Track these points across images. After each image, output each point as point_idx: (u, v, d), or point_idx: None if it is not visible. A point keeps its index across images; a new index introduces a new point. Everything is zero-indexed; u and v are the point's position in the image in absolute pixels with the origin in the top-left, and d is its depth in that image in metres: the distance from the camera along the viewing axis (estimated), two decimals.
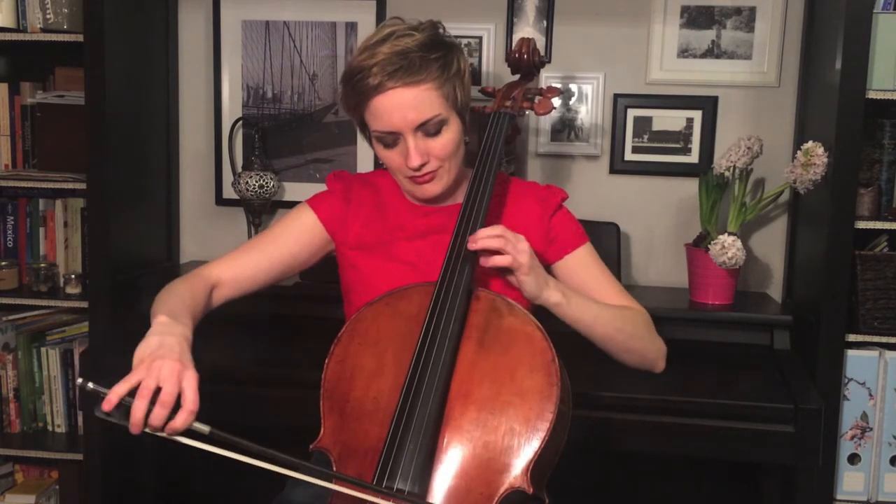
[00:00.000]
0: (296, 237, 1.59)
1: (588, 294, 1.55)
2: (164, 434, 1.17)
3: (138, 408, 1.14)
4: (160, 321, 1.30)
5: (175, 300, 1.40)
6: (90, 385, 1.15)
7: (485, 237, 1.37)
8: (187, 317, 1.35)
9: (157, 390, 1.16)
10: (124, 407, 1.15)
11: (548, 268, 1.55)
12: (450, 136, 1.44)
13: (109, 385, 1.16)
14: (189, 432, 1.17)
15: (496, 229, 1.38)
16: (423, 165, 1.44)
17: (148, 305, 1.43)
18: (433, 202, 1.54)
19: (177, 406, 1.17)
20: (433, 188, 1.49)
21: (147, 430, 1.16)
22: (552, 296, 1.43)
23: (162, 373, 1.17)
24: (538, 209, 1.57)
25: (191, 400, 1.17)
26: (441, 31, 1.48)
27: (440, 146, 1.44)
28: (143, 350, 1.22)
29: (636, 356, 1.58)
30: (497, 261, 1.38)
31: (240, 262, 1.56)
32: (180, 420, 1.16)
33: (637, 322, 1.56)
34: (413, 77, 1.38)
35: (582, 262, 1.59)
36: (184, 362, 1.21)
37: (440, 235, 1.50)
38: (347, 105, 1.48)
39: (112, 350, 2.03)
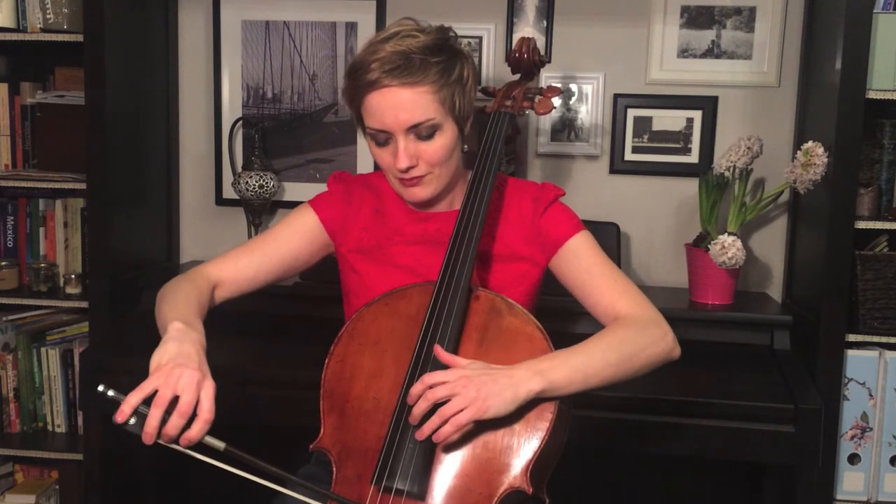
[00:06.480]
0: (297, 238, 1.58)
1: (581, 290, 1.47)
2: (178, 446, 1.14)
3: (154, 416, 1.11)
4: (176, 327, 1.25)
5: (184, 303, 1.37)
6: (110, 392, 1.12)
7: (428, 427, 1.21)
8: (199, 321, 1.32)
9: (174, 400, 1.13)
10: (140, 415, 1.11)
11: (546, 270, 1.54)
12: (442, 142, 1.42)
13: (127, 391, 1.12)
14: (203, 447, 1.14)
15: (426, 401, 1.21)
16: (411, 168, 1.43)
17: (148, 305, 1.42)
18: (429, 207, 1.52)
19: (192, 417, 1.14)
20: (420, 192, 1.46)
21: (161, 440, 1.12)
22: (531, 387, 1.23)
23: (181, 382, 1.14)
24: (531, 210, 1.53)
25: (206, 409, 1.14)
26: (450, 35, 1.46)
27: (431, 151, 1.42)
28: (160, 357, 1.19)
29: (647, 368, 1.40)
30: (453, 429, 1.20)
31: (241, 263, 1.55)
32: (196, 430, 1.13)
33: (629, 338, 1.37)
34: (410, 77, 1.37)
35: (574, 255, 1.49)
36: (203, 371, 1.18)
37: (438, 241, 1.48)
38: (347, 98, 1.47)
39: (112, 350, 2.03)
